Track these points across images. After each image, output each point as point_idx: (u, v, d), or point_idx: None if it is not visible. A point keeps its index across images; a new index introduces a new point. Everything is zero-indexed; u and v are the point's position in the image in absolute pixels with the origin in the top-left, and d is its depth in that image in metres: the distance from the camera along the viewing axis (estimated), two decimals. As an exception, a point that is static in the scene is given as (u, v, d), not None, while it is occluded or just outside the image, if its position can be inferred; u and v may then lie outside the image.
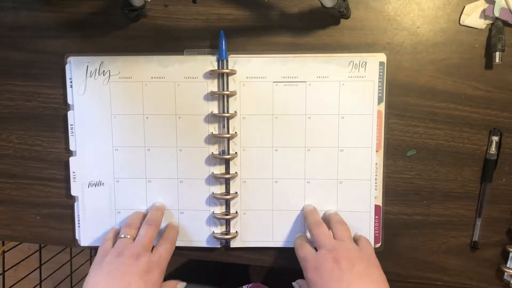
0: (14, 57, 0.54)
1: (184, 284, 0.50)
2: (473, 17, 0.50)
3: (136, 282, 0.43)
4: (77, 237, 0.55)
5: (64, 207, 0.55)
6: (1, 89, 0.55)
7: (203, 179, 0.53)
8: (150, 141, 0.53)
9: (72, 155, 0.54)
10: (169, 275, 0.68)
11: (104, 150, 0.53)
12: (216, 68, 0.51)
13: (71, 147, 0.54)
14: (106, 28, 0.53)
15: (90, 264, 1.21)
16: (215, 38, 0.52)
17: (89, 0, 0.53)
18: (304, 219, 0.52)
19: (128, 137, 0.53)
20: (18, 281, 0.79)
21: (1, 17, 0.54)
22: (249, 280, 0.80)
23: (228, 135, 0.52)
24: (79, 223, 0.55)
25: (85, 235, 0.55)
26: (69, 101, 0.53)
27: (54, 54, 0.53)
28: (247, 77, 0.52)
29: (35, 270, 0.84)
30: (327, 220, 0.50)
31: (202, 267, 0.68)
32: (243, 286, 0.55)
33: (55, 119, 0.54)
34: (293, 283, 0.49)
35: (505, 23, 0.49)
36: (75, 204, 0.54)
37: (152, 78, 0.52)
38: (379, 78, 0.51)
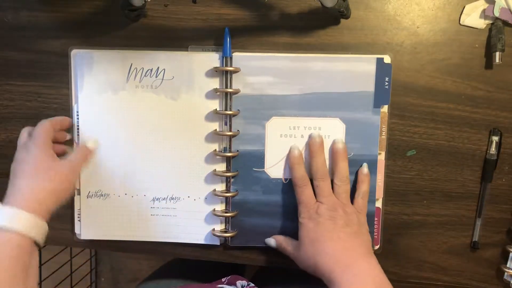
0: (14, 57, 0.54)
1: (95, 140, 0.53)
2: (473, 17, 0.50)
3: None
4: (76, 231, 0.54)
5: (63, 207, 0.54)
6: (1, 89, 0.55)
7: (205, 177, 0.53)
8: (151, 136, 0.53)
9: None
10: (155, 273, 0.68)
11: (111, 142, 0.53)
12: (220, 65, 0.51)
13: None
14: (106, 28, 0.53)
15: (90, 264, 1.21)
16: (215, 38, 0.52)
17: (89, 0, 0.53)
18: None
19: (129, 131, 0.53)
20: (18, 281, 0.79)
21: (1, 17, 0.54)
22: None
23: (230, 133, 0.52)
24: (79, 217, 0.54)
25: (87, 228, 0.54)
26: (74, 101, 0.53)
27: (54, 54, 0.53)
28: (251, 75, 0.52)
29: (35, 270, 0.84)
30: (332, 157, 0.51)
31: (189, 264, 0.68)
32: (222, 279, 0.55)
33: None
34: (268, 239, 0.53)
35: (505, 23, 0.50)
36: (76, 195, 0.54)
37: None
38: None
